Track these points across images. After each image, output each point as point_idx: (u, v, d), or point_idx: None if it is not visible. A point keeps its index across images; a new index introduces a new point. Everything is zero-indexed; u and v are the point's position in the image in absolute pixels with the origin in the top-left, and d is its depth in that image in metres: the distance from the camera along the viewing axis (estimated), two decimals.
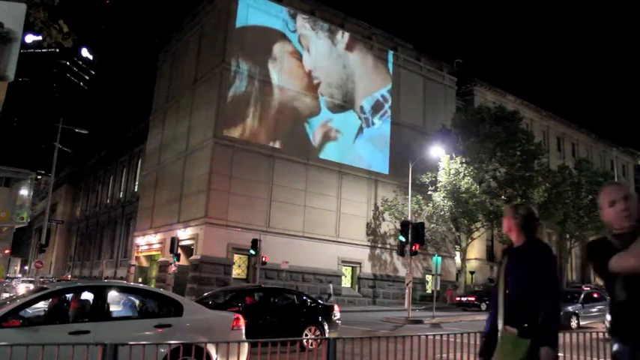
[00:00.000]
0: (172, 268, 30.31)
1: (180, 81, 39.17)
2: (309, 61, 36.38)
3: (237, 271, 32.10)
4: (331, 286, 34.38)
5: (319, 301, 14.40)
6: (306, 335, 11.95)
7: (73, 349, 5.03)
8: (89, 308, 6.77)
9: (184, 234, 32.94)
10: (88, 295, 6.98)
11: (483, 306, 29.49)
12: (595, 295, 21.90)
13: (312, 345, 10.54)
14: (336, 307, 13.47)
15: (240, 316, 7.71)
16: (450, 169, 33.01)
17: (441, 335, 7.09)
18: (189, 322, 7.11)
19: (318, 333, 12.21)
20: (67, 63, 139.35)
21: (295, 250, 32.19)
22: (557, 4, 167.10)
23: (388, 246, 37.24)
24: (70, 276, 56.36)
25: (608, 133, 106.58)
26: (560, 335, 7.71)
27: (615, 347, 2.79)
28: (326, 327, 12.34)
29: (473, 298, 31.88)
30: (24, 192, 25.32)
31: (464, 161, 32.92)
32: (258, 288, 14.44)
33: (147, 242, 39.48)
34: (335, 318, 13.00)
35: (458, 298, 33.64)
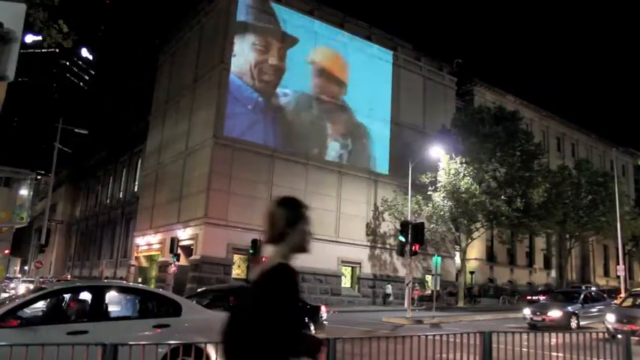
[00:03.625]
0: (172, 269, 30.29)
1: (180, 81, 39.16)
2: (309, 62, 36.40)
3: (237, 271, 32.09)
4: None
5: (305, 301, 14.33)
6: None
7: (73, 349, 5.02)
8: (88, 308, 6.77)
9: (184, 234, 32.93)
10: (86, 295, 6.98)
11: None
12: (595, 296, 21.93)
13: None
14: (323, 308, 13.30)
15: None
16: (449, 169, 32.98)
17: (441, 335, 7.08)
18: (188, 322, 7.10)
19: None
20: (67, 63, 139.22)
21: None
22: (557, 4, 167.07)
23: (388, 246, 37.23)
24: (69, 276, 56.33)
25: (608, 133, 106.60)
26: (560, 335, 7.73)
27: None
28: (312, 327, 12.10)
29: (544, 297, 33.38)
30: (24, 192, 25.25)
31: (464, 161, 32.90)
32: (243, 288, 14.25)
33: (147, 242, 39.46)
34: (322, 318, 12.85)
35: (528, 297, 35.13)
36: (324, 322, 12.98)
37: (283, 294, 2.21)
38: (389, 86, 40.07)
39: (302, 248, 2.40)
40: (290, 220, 2.36)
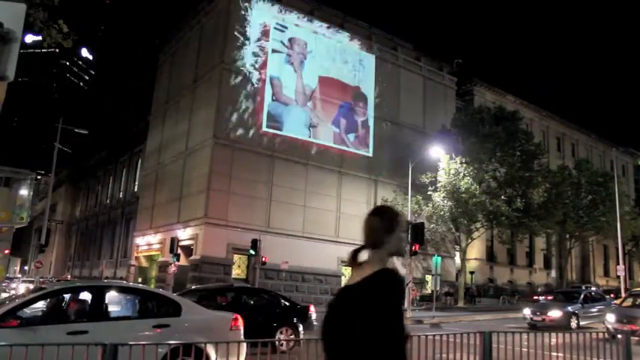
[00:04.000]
0: (172, 269, 30.28)
1: (180, 81, 39.16)
2: (308, 61, 36.42)
3: (237, 271, 32.09)
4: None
5: (294, 301, 14.22)
6: (279, 337, 11.60)
7: (73, 349, 5.02)
8: (87, 308, 6.77)
9: (184, 234, 32.93)
10: (86, 295, 6.98)
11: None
12: (595, 296, 21.94)
13: (284, 346, 10.51)
14: (312, 308, 13.23)
15: (239, 316, 7.71)
16: (449, 169, 32.99)
17: (441, 335, 7.08)
18: (188, 322, 7.11)
19: (291, 334, 11.78)
20: (67, 63, 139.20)
21: (295, 250, 32.17)
22: (557, 4, 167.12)
23: None
24: (69, 276, 56.33)
25: (608, 133, 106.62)
26: (560, 335, 7.73)
27: None
28: (300, 328, 11.96)
29: (551, 297, 33.28)
30: (24, 192, 25.28)
31: (464, 161, 32.90)
32: (230, 287, 14.19)
33: (147, 242, 39.46)
34: (311, 318, 12.75)
35: (535, 297, 34.86)
36: (314, 322, 12.90)
37: (392, 296, 2.40)
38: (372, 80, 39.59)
39: (398, 252, 2.61)
40: (387, 228, 2.57)
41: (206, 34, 36.59)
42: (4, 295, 24.27)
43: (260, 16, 34.75)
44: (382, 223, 2.59)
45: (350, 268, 2.60)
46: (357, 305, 2.39)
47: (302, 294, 32.62)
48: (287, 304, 13.16)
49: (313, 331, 12.44)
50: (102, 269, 45.50)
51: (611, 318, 15.31)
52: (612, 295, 25.38)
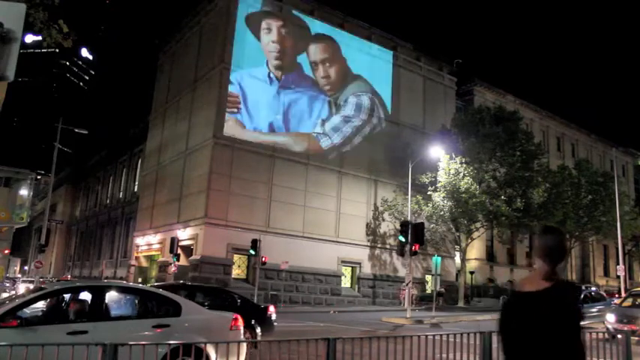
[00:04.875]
0: (172, 269, 30.29)
1: (180, 81, 39.17)
2: (308, 61, 36.43)
3: (237, 272, 32.12)
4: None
5: (252, 301, 13.97)
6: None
7: (73, 349, 5.02)
8: (87, 308, 6.76)
9: (184, 234, 32.94)
10: (86, 295, 6.97)
11: None
12: (595, 296, 21.93)
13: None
14: (271, 308, 12.95)
15: (239, 316, 7.71)
16: (449, 169, 33.00)
17: (441, 335, 7.08)
18: (188, 322, 7.10)
19: (248, 335, 11.31)
20: (67, 63, 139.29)
21: (295, 250, 32.19)
22: (557, 4, 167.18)
23: (388, 246, 37.23)
24: (69, 276, 56.34)
25: (608, 133, 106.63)
26: None
27: None
28: (258, 330, 11.59)
29: None
30: (24, 192, 25.25)
31: (464, 161, 32.91)
32: (183, 285, 13.99)
33: (146, 242, 39.46)
34: (270, 319, 12.51)
35: None
36: (274, 323, 12.67)
37: (579, 301, 3.11)
38: (389, 87, 39.95)
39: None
40: (558, 244, 3.09)
41: (206, 34, 36.60)
42: (5, 294, 24.25)
43: (260, 16, 34.75)
44: (565, 242, 3.18)
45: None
46: (551, 310, 2.90)
47: (302, 294, 32.64)
48: (244, 303, 12.69)
49: (272, 333, 12.19)
50: (102, 269, 45.52)
51: (611, 318, 15.29)
52: (616, 295, 25.25)
